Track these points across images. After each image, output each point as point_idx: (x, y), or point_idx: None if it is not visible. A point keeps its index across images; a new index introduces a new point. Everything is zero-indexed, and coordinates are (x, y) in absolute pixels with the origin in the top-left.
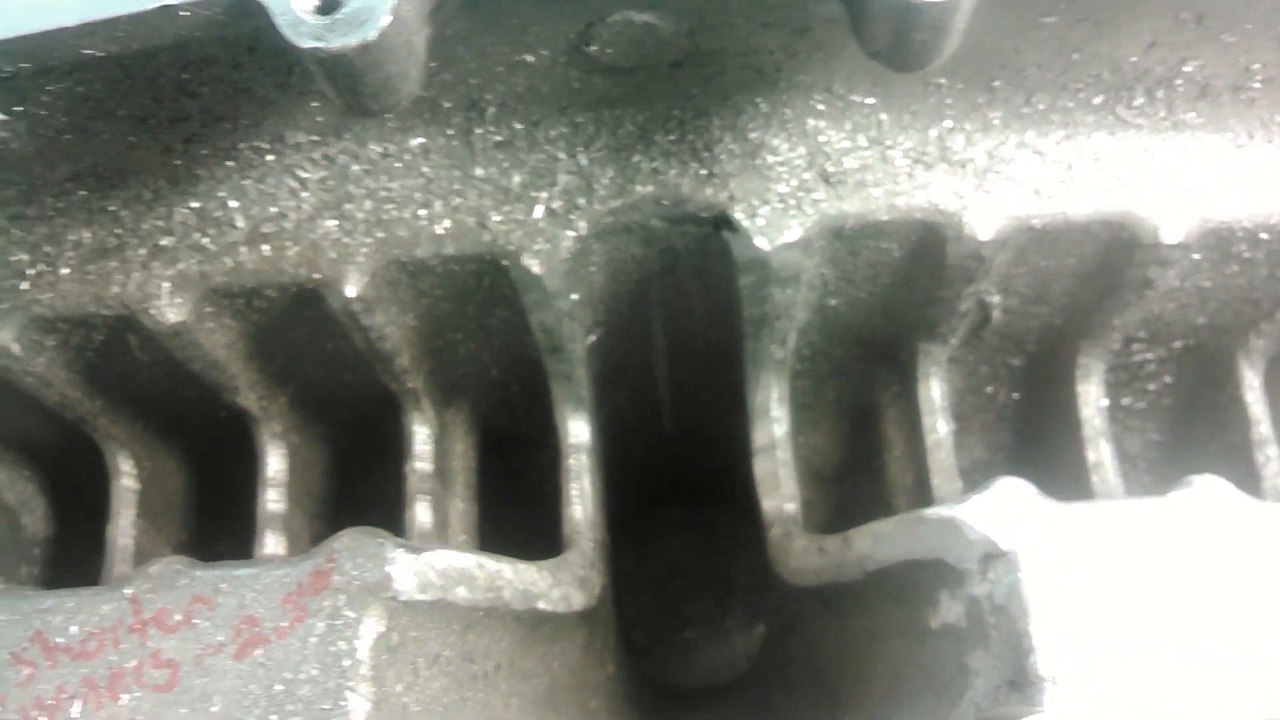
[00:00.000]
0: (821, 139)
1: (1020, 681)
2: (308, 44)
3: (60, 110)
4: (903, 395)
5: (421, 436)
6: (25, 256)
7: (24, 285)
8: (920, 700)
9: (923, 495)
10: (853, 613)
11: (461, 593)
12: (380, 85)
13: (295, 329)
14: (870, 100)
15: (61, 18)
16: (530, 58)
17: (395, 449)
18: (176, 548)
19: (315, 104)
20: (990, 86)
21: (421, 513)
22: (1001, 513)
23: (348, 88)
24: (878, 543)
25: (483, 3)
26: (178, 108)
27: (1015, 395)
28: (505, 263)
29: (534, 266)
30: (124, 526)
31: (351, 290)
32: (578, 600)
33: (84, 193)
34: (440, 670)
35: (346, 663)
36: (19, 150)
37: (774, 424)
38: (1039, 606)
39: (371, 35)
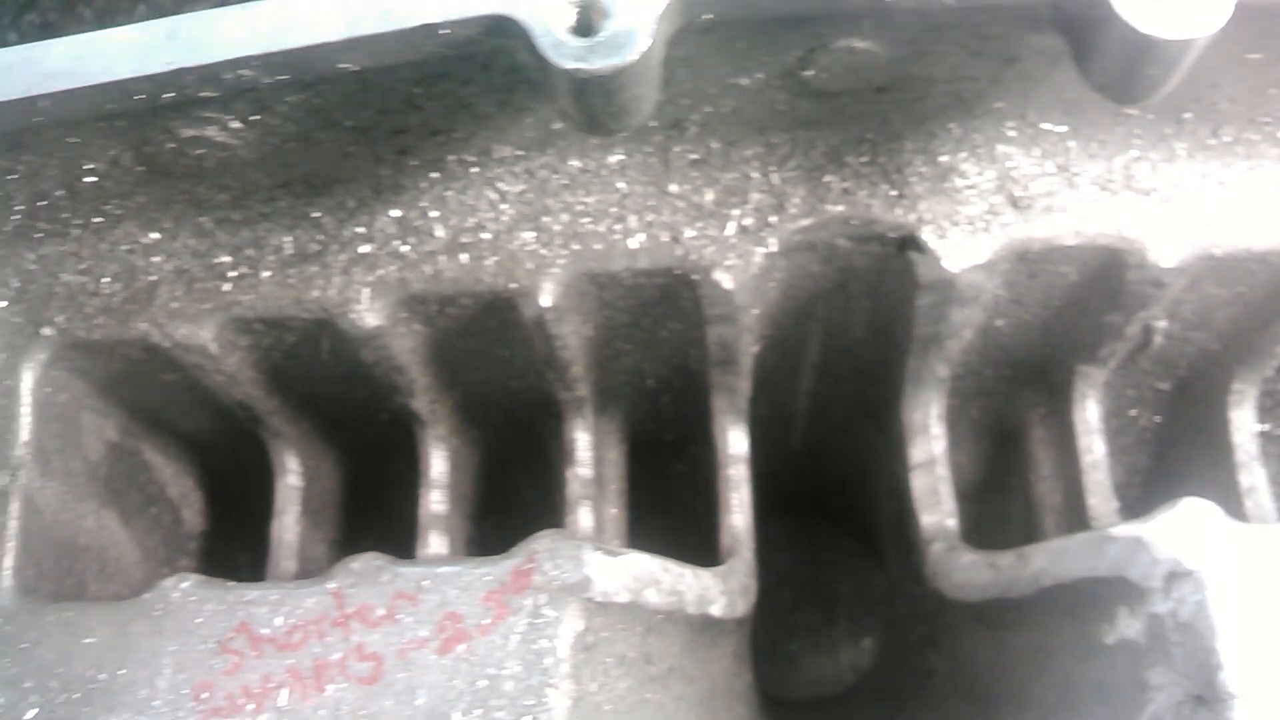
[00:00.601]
0: (1010, 164)
1: (1208, 697)
2: (569, 65)
3: (293, 120)
4: (1052, 416)
5: (583, 443)
6: (228, 259)
7: (226, 287)
8: (1092, 714)
9: (1075, 515)
10: (1015, 627)
11: (650, 596)
12: (625, 106)
13: (477, 336)
14: (1061, 128)
15: (326, 33)
16: (745, 80)
17: (541, 453)
18: (330, 546)
19: (529, 120)
20: (1180, 118)
21: (584, 517)
22: (1187, 532)
23: (596, 108)
24: (1058, 559)
25: (721, 28)
26: (400, 120)
27: (1157, 419)
28: (696, 277)
29: (725, 281)
30: (289, 523)
31: (546, 300)
32: (740, 607)
33: (290, 199)
34: (625, 671)
35: (548, 661)
36: (243, 157)
37: (933, 441)
38: (1226, 624)
39: (631, 59)
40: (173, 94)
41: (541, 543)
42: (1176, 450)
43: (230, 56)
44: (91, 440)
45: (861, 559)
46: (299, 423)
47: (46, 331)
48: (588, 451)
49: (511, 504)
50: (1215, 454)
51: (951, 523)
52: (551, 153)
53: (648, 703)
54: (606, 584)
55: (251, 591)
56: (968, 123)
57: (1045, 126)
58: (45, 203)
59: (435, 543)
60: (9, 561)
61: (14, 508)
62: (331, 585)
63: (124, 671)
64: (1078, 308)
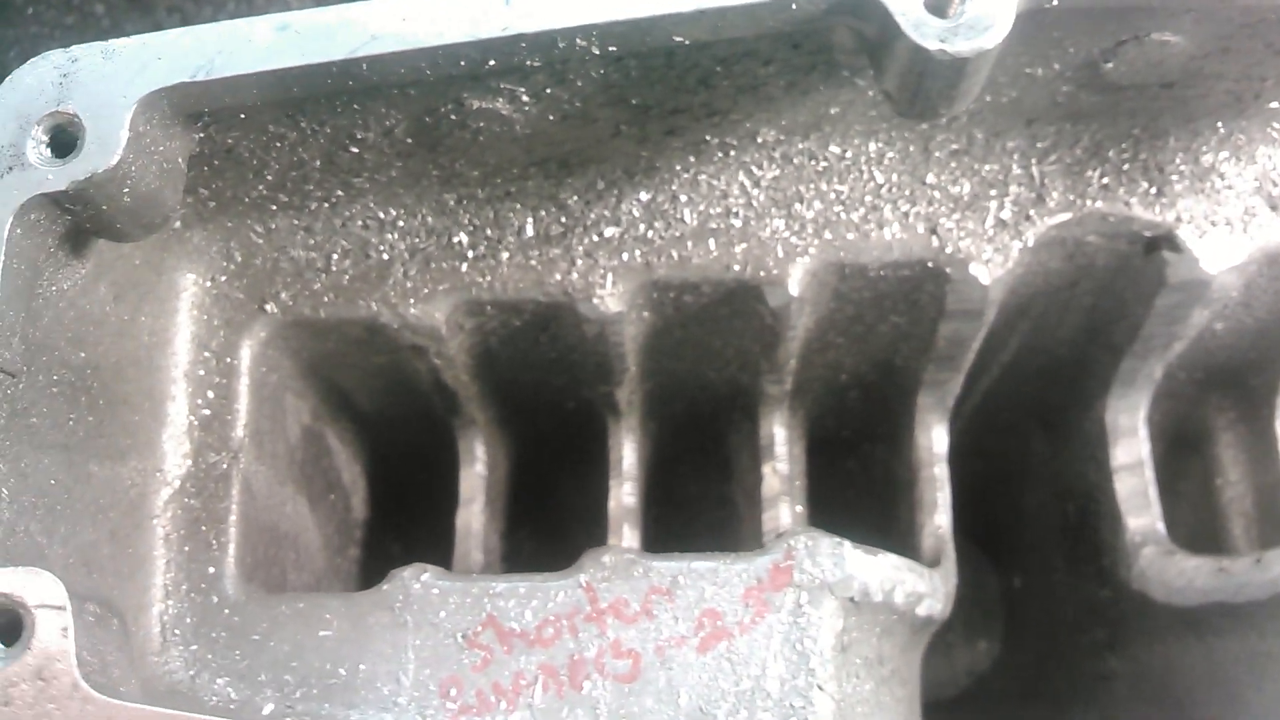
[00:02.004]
0: (1270, 165)
1: None
2: (933, 45)
3: (584, 96)
4: (1243, 422)
5: (781, 438)
6: (466, 238)
7: (463, 267)
8: None
9: (1272, 522)
10: (1230, 633)
11: (897, 595)
12: (965, 90)
13: (700, 325)
14: None
15: (676, 4)
16: (1040, 70)
17: (715, 449)
18: (500, 537)
19: (807, 103)
20: None
21: (784, 514)
22: None
23: (935, 91)
24: None
25: (1056, 13)
26: (686, 99)
27: None
28: (950, 270)
29: (982, 276)
30: (475, 512)
31: (795, 289)
32: (948, 609)
33: (540, 179)
34: (869, 672)
35: (814, 661)
36: (517, 132)
37: (1140, 444)
38: None
39: (992, 42)
40: (496, 61)
41: (799, 539)
42: None
43: (572, 24)
44: (292, 423)
45: (978, 560)
46: (487, 409)
47: (270, 308)
48: (784, 447)
49: (678, 500)
50: None
51: (1161, 526)
52: (815, 138)
53: (884, 706)
54: (865, 582)
55: (498, 584)
56: (1235, 122)
57: None
58: (298, 173)
59: (629, 536)
60: (232, 549)
61: (234, 491)
62: (583, 579)
63: (364, 666)
64: None
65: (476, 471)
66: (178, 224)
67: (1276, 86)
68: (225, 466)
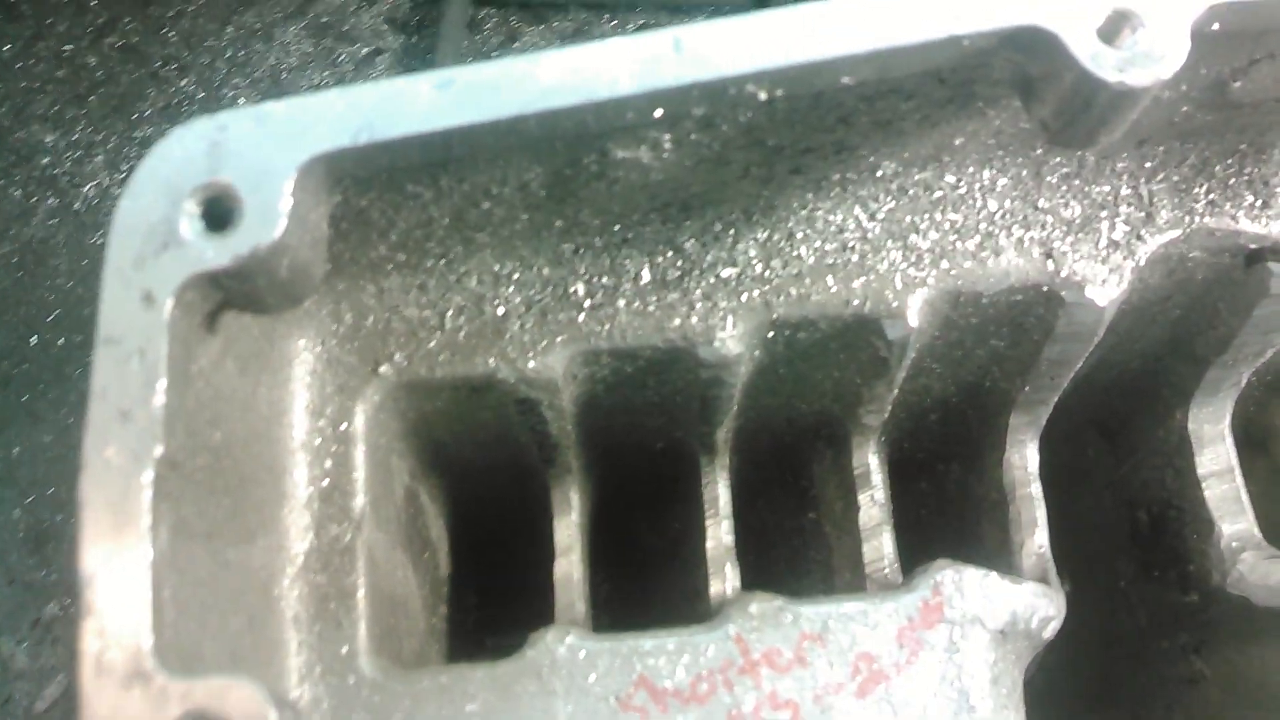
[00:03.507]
0: None
1: None
2: (1111, 76)
3: (725, 139)
4: None
5: (875, 465)
6: (582, 288)
7: (581, 317)
8: None
9: None
10: None
11: (1034, 622)
12: (1128, 119)
13: (807, 360)
14: None
15: (849, 45)
16: (1166, 92)
17: (793, 482)
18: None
19: (934, 134)
20: None
21: (886, 544)
22: None
23: (1097, 122)
24: None
25: (1211, 37)
26: (820, 138)
27: None
28: (1065, 294)
29: (1099, 299)
30: (575, 561)
31: (914, 320)
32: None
33: (658, 224)
34: (1011, 701)
35: (973, 698)
36: (653, 179)
37: (1228, 451)
38: None
39: (1167, 73)
40: (665, 110)
41: (945, 574)
42: None
43: (746, 70)
44: (397, 485)
45: None
46: (581, 456)
47: (384, 370)
48: (879, 474)
49: (755, 531)
50: None
51: (1258, 532)
52: (932, 169)
53: None
54: (1014, 612)
55: (646, 641)
56: None
57: None
58: (423, 231)
59: (730, 575)
60: (363, 626)
61: (359, 564)
62: (732, 630)
63: None
64: None
65: (573, 520)
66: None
67: None
68: (349, 538)
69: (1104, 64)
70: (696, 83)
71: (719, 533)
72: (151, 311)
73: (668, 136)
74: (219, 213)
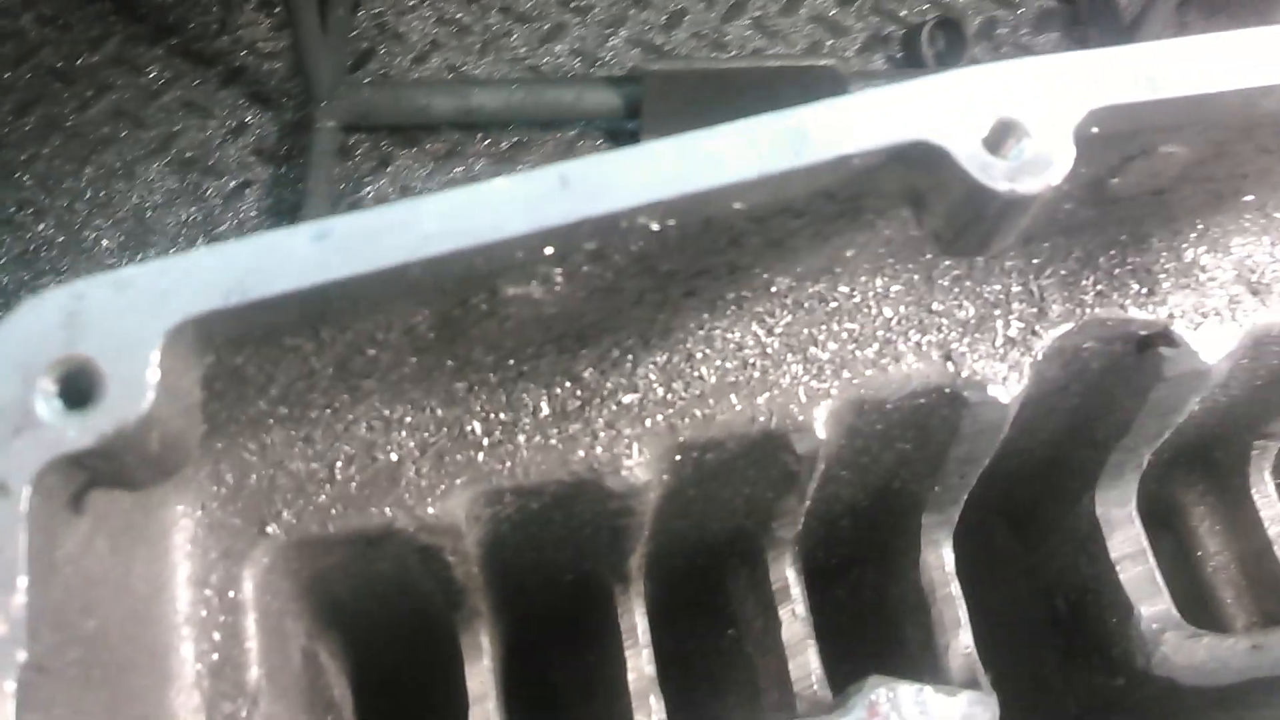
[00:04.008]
0: (1244, 252)
1: None
2: (1002, 186)
3: (618, 268)
4: (1213, 493)
5: (794, 579)
6: (479, 426)
7: (480, 456)
8: None
9: (1267, 587)
10: (1267, 705)
11: None
12: (1019, 226)
13: (714, 480)
14: None
15: (736, 171)
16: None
17: (708, 602)
18: None
19: (825, 249)
20: None
21: (812, 658)
22: None
23: (989, 230)
24: None
25: (1094, 142)
26: (712, 260)
27: None
28: (968, 394)
29: (1002, 396)
30: (490, 710)
31: (822, 433)
32: None
33: (554, 355)
34: None
35: None
36: (545, 313)
37: (1138, 533)
38: None
39: (1056, 180)
40: (554, 249)
41: (879, 691)
42: None
43: (636, 203)
44: (293, 649)
45: None
46: (489, 598)
47: (272, 529)
48: (798, 588)
49: (672, 656)
50: None
51: (1175, 612)
52: (825, 280)
53: None
54: None
55: None
56: (1211, 218)
57: (1277, 215)
58: (305, 383)
59: (655, 707)
60: None
61: None
62: None
63: None
64: (1277, 386)
65: (485, 666)
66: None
67: (1254, 182)
68: (245, 714)
69: (993, 174)
70: (586, 219)
71: (639, 663)
72: (7, 502)
73: (559, 271)
74: (79, 389)
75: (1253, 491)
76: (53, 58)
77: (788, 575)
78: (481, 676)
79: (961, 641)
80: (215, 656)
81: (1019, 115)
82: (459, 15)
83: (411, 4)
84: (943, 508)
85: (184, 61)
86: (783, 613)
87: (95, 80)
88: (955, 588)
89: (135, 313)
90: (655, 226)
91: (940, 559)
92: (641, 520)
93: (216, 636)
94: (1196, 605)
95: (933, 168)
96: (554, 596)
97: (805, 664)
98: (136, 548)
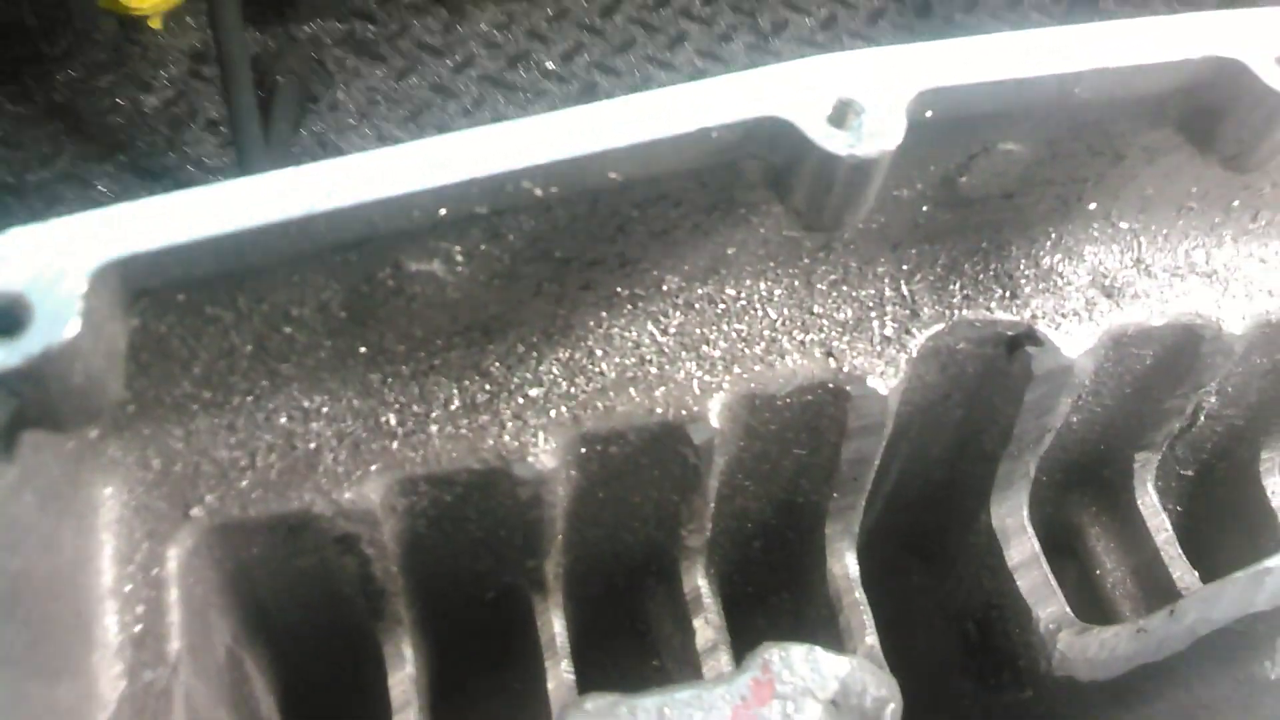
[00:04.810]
0: (1097, 260)
1: None
2: (846, 153)
3: (514, 250)
4: (1106, 512)
5: (706, 589)
6: (393, 417)
7: (394, 445)
8: None
9: (1157, 593)
10: (1160, 696)
11: (867, 700)
12: (864, 198)
13: (622, 479)
14: (1135, 226)
15: (610, 140)
16: (905, 191)
17: (630, 623)
18: None
19: (709, 247)
20: (1229, 208)
21: (725, 662)
22: None
23: (837, 201)
24: (1212, 604)
25: (927, 128)
26: (603, 249)
27: (1179, 508)
28: (849, 387)
29: (880, 388)
30: (411, 718)
31: (715, 421)
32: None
33: (464, 348)
34: None
35: None
36: (449, 296)
37: (1030, 540)
38: None
39: (891, 145)
40: (448, 210)
41: (772, 651)
42: (1200, 537)
43: (517, 166)
44: (218, 642)
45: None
46: (412, 608)
47: (196, 513)
48: (711, 599)
49: (614, 685)
50: (1250, 527)
51: (1069, 610)
52: (713, 282)
53: None
54: (842, 682)
55: None
56: (1064, 226)
57: (1123, 225)
58: (225, 362)
59: None
60: None
61: (175, 707)
62: None
63: None
64: (1145, 393)
65: (407, 674)
66: (95, 433)
67: (1096, 187)
68: (165, 683)
69: (837, 144)
70: (474, 179)
71: (559, 672)
72: None
73: (458, 248)
74: (11, 318)
75: (1139, 504)
76: (4, 173)
77: (700, 584)
78: (404, 685)
79: (867, 642)
80: (138, 628)
81: (856, 95)
82: (398, 134)
83: (352, 123)
84: (844, 515)
85: (133, 176)
86: (696, 622)
87: (45, 195)
88: (860, 594)
89: (63, 254)
90: (539, 192)
91: (844, 567)
92: (552, 514)
93: (140, 609)
94: (1102, 622)
95: (784, 142)
96: (476, 612)
97: (716, 668)
98: (65, 517)
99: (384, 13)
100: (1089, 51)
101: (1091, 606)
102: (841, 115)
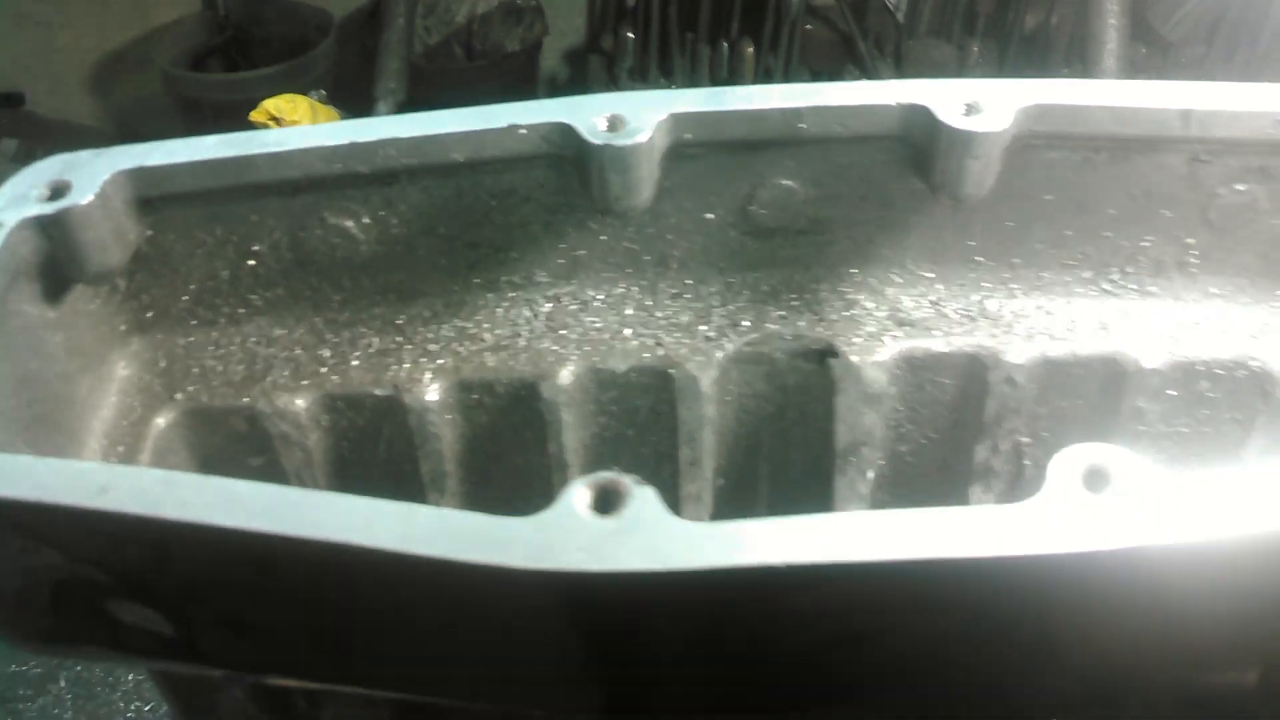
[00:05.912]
0: (896, 302)
1: None
2: (601, 142)
3: (406, 221)
4: None
5: None
6: (328, 353)
7: (323, 369)
8: None
9: None
10: None
11: None
12: (637, 183)
13: (499, 436)
14: (932, 274)
15: (448, 126)
16: (710, 215)
17: None
18: None
19: (563, 246)
20: (1012, 264)
21: None
22: None
23: (614, 184)
24: None
25: (698, 149)
26: (476, 234)
27: None
28: (672, 371)
29: (694, 370)
30: None
31: (566, 379)
32: None
33: (384, 307)
34: None
35: None
36: (364, 254)
37: None
38: None
39: (642, 139)
40: (341, 165)
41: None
42: None
43: (385, 136)
44: None
45: None
46: None
47: (179, 397)
48: None
49: None
50: None
51: None
52: (575, 282)
53: None
54: None
55: None
56: (865, 267)
57: (921, 273)
58: (211, 284)
59: None
60: None
61: None
62: None
63: None
64: (963, 427)
65: None
66: (123, 327)
67: (880, 232)
68: None
69: (600, 137)
70: (356, 143)
71: None
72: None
73: (364, 210)
74: (57, 192)
75: None
76: None
77: None
78: None
79: None
80: (118, 452)
81: (624, 113)
82: None
83: None
84: (694, 501)
85: None
86: None
87: None
88: None
89: (101, 164)
90: (401, 162)
91: None
92: (438, 447)
93: (120, 449)
94: None
95: (571, 143)
96: None
97: None
98: (85, 373)
99: None
100: (811, 94)
101: None
102: (614, 125)
